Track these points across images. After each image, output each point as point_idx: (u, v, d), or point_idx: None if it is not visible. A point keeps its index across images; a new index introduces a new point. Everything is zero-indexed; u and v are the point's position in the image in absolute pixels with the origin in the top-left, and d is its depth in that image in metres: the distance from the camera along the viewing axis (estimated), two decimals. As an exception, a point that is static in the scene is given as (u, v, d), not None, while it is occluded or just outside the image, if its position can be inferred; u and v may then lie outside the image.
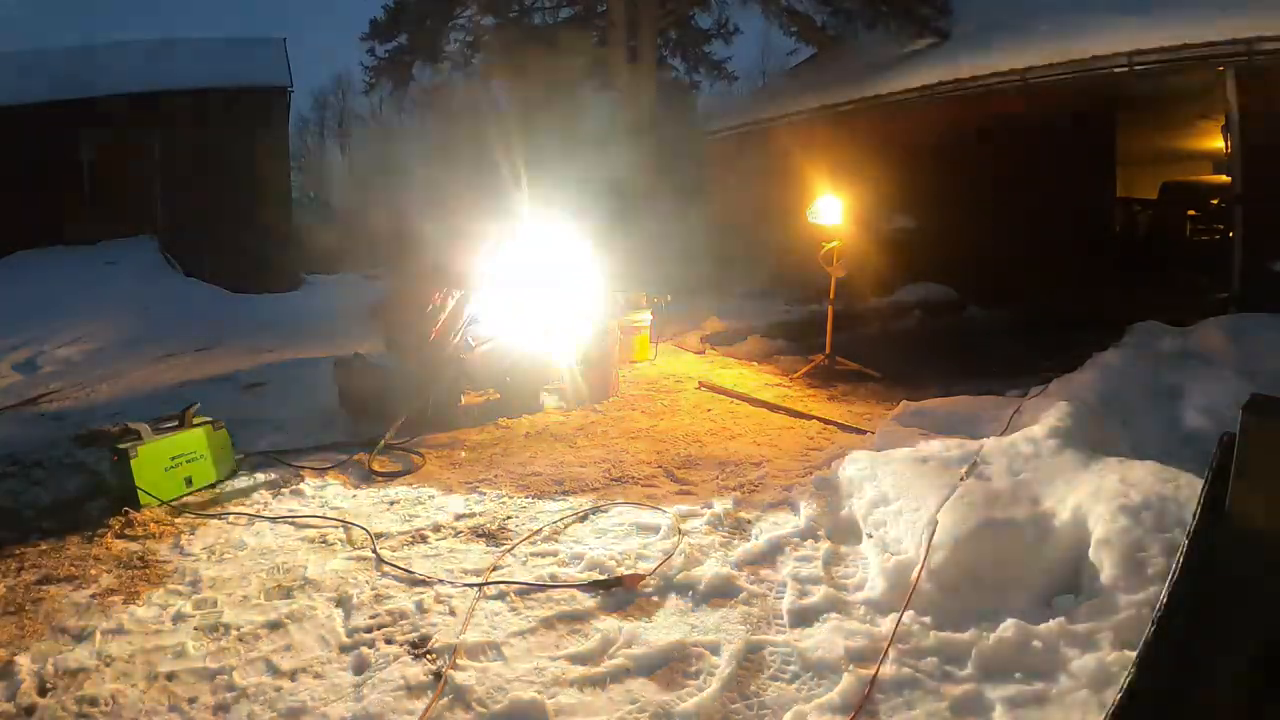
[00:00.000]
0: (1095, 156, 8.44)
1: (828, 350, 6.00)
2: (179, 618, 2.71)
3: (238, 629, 2.64)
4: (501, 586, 2.85)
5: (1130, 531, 2.40)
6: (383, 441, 4.39)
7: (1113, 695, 1.20)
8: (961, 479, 2.97)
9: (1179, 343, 5.06)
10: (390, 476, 4.05)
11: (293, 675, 2.37)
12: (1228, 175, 8.89)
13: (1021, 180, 8.36)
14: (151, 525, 3.46)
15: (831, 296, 5.94)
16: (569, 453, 4.33)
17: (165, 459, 3.75)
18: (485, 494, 3.77)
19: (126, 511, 3.54)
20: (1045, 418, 3.43)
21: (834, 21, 12.30)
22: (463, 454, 4.34)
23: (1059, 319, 7.43)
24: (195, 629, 2.65)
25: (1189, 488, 2.50)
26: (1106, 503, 2.54)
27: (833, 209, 5.88)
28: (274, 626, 2.64)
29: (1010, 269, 7.70)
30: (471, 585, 2.85)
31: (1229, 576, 1.27)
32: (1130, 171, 12.50)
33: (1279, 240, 6.87)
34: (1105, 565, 2.37)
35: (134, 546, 3.28)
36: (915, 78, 9.88)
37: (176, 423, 3.93)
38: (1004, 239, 7.86)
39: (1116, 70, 7.94)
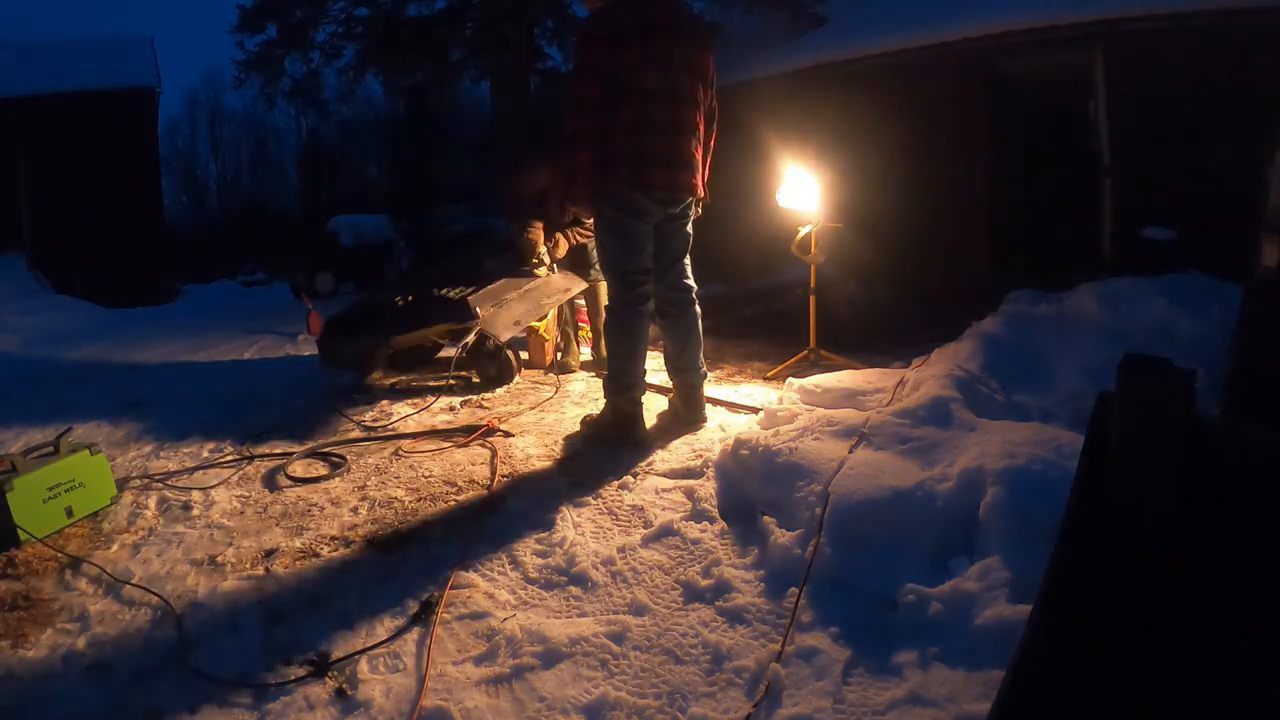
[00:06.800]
0: (968, 135, 8.74)
1: (813, 343, 5.74)
2: (70, 658, 2.58)
3: (131, 666, 2.52)
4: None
5: (1017, 491, 2.47)
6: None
7: (1012, 649, 1.22)
8: (850, 451, 3.01)
9: (1054, 308, 5.27)
10: (309, 482, 3.94)
11: (193, 709, 2.28)
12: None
13: (897, 161, 8.59)
14: (34, 562, 3.27)
15: (813, 285, 5.77)
16: (457, 451, 4.24)
17: (43, 490, 3.52)
18: (375, 499, 3.67)
19: (7, 550, 3.32)
20: (929, 386, 3.52)
21: (711, 7, 12.42)
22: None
23: (938, 292, 7.65)
24: (87, 669, 2.52)
25: (1071, 445, 2.60)
26: (992, 464, 2.61)
27: (806, 190, 5.42)
28: (167, 659, 2.54)
29: (890, 246, 7.91)
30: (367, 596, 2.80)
31: (1113, 528, 1.31)
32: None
33: (1145, 209, 7.24)
34: (995, 525, 2.44)
35: (17, 586, 3.09)
36: (793, 61, 10.07)
37: (51, 450, 3.69)
38: (883, 218, 8.06)
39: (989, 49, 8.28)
